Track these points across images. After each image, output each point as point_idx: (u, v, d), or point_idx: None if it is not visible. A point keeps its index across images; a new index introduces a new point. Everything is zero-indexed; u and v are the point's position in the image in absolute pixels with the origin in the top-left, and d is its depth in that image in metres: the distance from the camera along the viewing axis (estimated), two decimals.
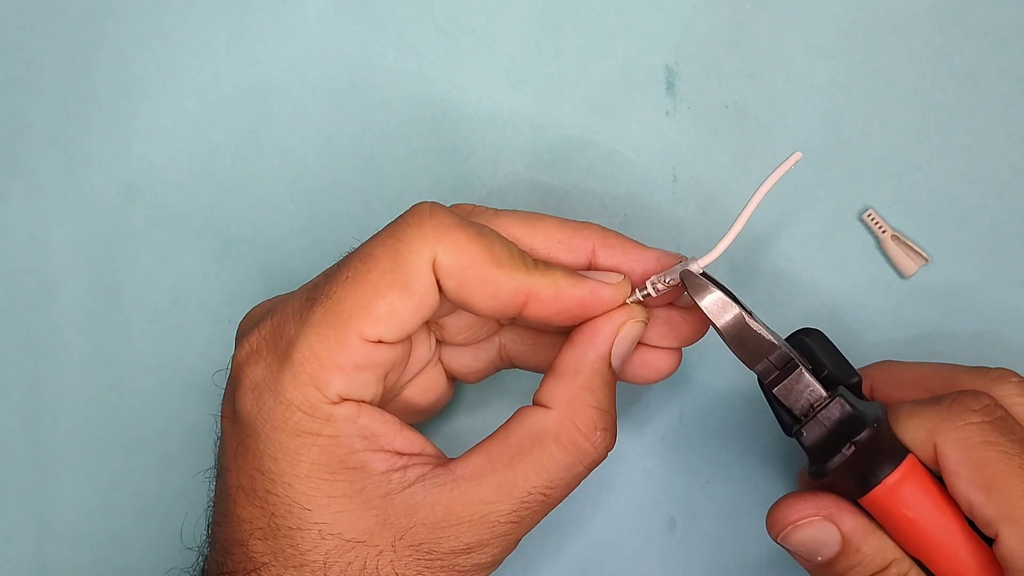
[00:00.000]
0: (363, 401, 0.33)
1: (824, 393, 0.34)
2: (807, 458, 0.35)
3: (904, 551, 0.35)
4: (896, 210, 0.43)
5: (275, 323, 0.33)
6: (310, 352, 0.32)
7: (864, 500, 0.34)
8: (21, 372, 0.45)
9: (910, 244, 0.42)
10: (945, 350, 0.42)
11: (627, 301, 0.35)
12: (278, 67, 0.45)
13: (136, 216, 0.45)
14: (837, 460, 0.33)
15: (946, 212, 0.43)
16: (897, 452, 0.34)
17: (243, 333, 0.35)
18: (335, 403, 0.32)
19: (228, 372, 0.36)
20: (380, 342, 0.32)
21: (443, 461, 0.34)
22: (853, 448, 0.33)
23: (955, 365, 0.38)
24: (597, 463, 0.35)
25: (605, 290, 0.34)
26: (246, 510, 0.33)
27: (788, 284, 0.43)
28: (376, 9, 0.45)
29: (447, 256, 0.32)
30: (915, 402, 0.35)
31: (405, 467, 0.33)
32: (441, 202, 0.44)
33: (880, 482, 0.34)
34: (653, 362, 0.37)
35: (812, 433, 0.34)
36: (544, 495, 0.34)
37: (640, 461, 0.43)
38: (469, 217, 0.35)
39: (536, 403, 0.35)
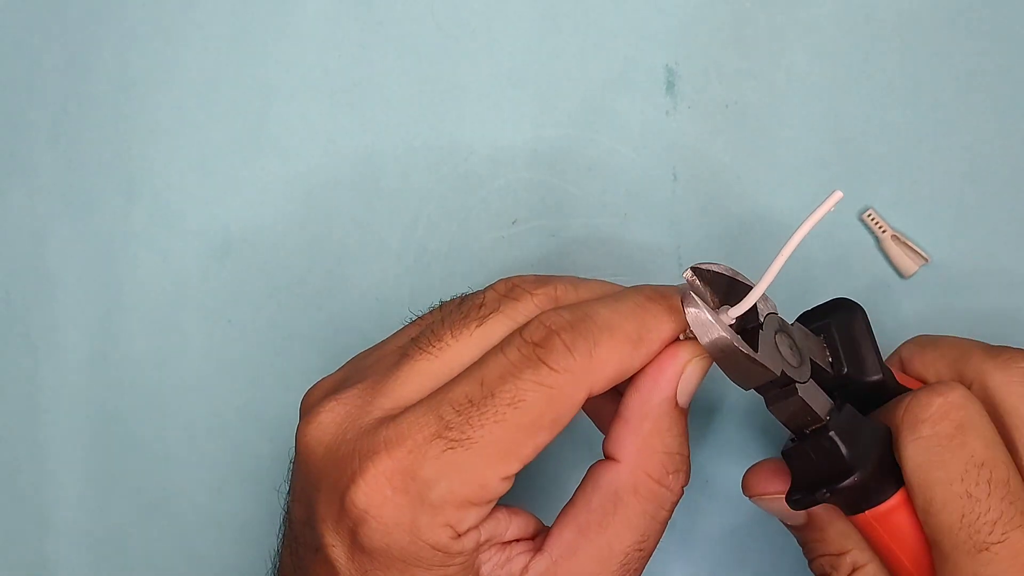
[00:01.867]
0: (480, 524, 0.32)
1: (822, 418, 0.33)
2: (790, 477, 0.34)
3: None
4: (896, 210, 0.43)
5: (398, 461, 0.31)
6: (451, 496, 0.31)
7: (851, 518, 0.34)
8: (21, 372, 0.45)
9: (910, 244, 0.42)
10: None
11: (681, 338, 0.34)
12: (278, 67, 0.45)
13: (136, 216, 0.45)
14: (810, 501, 0.33)
15: (946, 212, 0.43)
16: (893, 479, 0.33)
17: (336, 457, 0.32)
18: (463, 535, 0.32)
19: (300, 488, 0.34)
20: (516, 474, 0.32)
21: (539, 542, 0.33)
22: (829, 496, 0.32)
23: (974, 342, 0.36)
24: (677, 503, 0.34)
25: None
26: None
27: (788, 284, 0.43)
28: (376, 9, 0.45)
29: (601, 383, 0.32)
30: (916, 434, 0.34)
31: (509, 560, 0.33)
32: (440, 202, 0.44)
33: (869, 509, 0.33)
34: None
35: (797, 462, 0.33)
36: (640, 550, 0.33)
37: None
38: (556, 299, 0.34)
39: (606, 455, 0.34)
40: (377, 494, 0.31)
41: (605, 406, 0.37)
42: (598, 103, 0.44)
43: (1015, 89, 0.42)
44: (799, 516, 0.35)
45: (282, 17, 0.45)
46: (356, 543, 0.32)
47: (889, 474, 0.33)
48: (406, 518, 0.31)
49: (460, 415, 0.31)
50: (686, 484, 0.34)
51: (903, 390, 0.35)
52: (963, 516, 0.31)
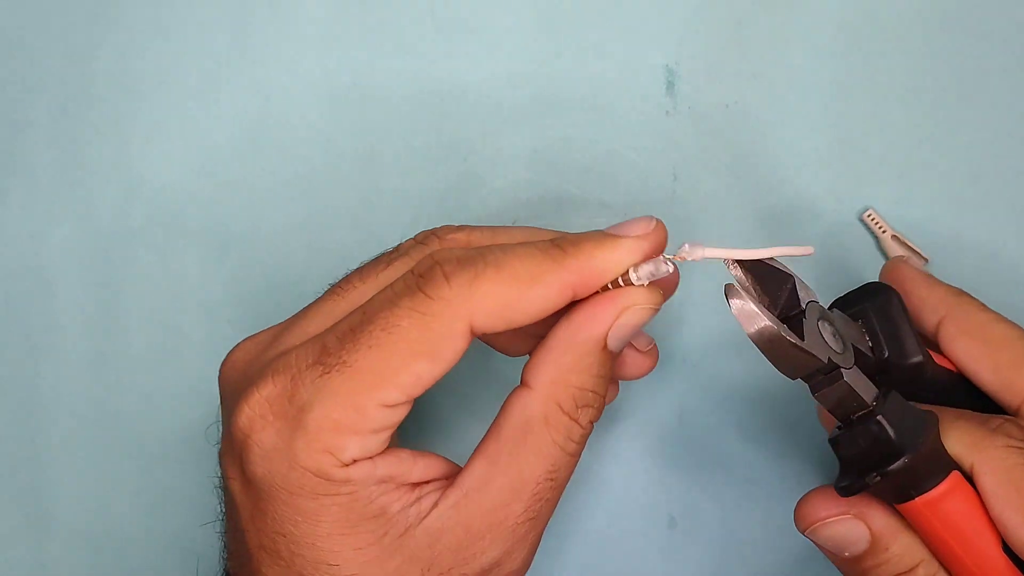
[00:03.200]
0: (377, 454, 0.32)
1: (868, 404, 0.33)
2: (838, 464, 0.34)
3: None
4: (896, 210, 0.43)
5: (280, 385, 0.32)
6: (326, 420, 0.31)
7: (901, 507, 0.33)
8: (21, 372, 0.45)
9: (910, 244, 0.42)
10: None
11: (633, 282, 0.33)
12: (278, 67, 0.45)
13: (136, 216, 0.45)
14: (861, 485, 0.32)
15: (946, 212, 0.43)
16: (942, 465, 0.33)
17: (236, 389, 0.34)
18: (349, 465, 0.32)
19: (220, 427, 0.35)
20: (398, 404, 0.32)
21: (452, 479, 0.33)
22: (879, 479, 0.32)
23: (1017, 331, 0.36)
24: (586, 436, 0.34)
25: (642, 244, 0.33)
26: (272, 569, 0.33)
27: None
28: (376, 9, 0.45)
29: (482, 315, 0.31)
30: (960, 414, 0.34)
31: (419, 498, 0.33)
32: (440, 202, 0.44)
33: (919, 495, 0.32)
34: (631, 363, 0.37)
35: (846, 448, 0.33)
36: (551, 479, 0.33)
37: (640, 461, 0.43)
38: (467, 244, 0.34)
39: (523, 380, 0.34)
40: (258, 419, 0.32)
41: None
42: (598, 103, 0.44)
43: (1015, 89, 0.42)
44: (862, 538, 0.34)
45: (282, 17, 0.45)
46: (244, 473, 0.32)
47: (938, 460, 0.33)
48: (284, 442, 0.31)
49: (339, 341, 0.32)
50: (595, 420, 0.34)
51: (943, 372, 0.35)
52: None
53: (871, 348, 0.35)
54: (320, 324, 0.34)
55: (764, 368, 0.33)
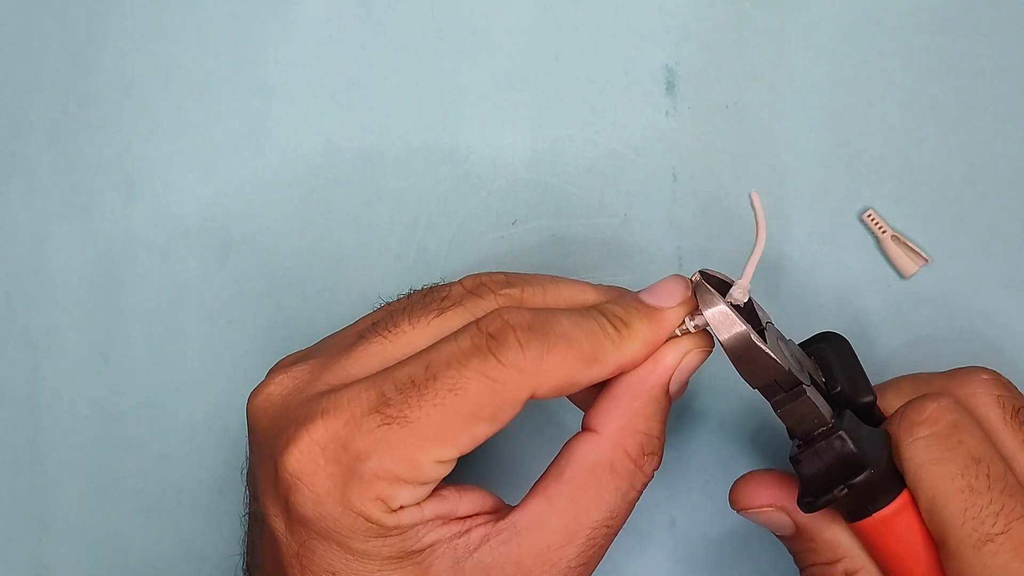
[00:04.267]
0: (424, 500, 0.32)
1: (828, 421, 0.33)
2: (799, 482, 0.34)
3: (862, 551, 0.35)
4: (896, 210, 0.43)
5: (332, 430, 0.31)
6: (382, 471, 0.31)
7: (856, 526, 0.34)
8: (21, 372, 0.45)
9: (910, 244, 0.42)
10: (944, 351, 0.42)
11: (690, 330, 0.35)
12: (278, 67, 0.45)
13: (136, 216, 0.45)
14: (827, 500, 0.33)
15: (946, 212, 0.43)
16: (896, 481, 0.33)
17: (276, 426, 0.33)
18: (397, 511, 0.32)
19: (248, 458, 0.35)
20: (452, 460, 0.32)
21: (503, 513, 0.33)
22: (846, 491, 0.33)
23: (932, 373, 0.37)
24: (647, 484, 0.34)
25: (677, 315, 0.35)
26: None
27: (788, 284, 0.43)
28: (376, 9, 0.45)
29: (546, 388, 0.32)
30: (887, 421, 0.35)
31: (468, 531, 0.33)
32: (440, 202, 0.44)
33: (876, 511, 0.33)
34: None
35: (808, 464, 0.33)
36: (607, 527, 0.34)
37: None
38: (521, 301, 0.34)
39: (585, 427, 0.34)
40: (309, 461, 0.31)
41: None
42: (598, 103, 0.44)
43: (1015, 89, 0.42)
44: (787, 526, 0.36)
45: (282, 17, 0.45)
46: (291, 512, 0.32)
47: (892, 477, 0.33)
48: (337, 488, 0.31)
49: (400, 393, 0.31)
50: (657, 468, 0.34)
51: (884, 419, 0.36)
52: (966, 509, 0.32)
53: (824, 382, 0.35)
54: (366, 366, 0.33)
55: None
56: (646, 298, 0.35)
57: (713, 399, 0.43)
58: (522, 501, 0.33)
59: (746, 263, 0.35)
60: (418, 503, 0.32)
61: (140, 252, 0.45)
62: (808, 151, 0.43)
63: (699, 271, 0.34)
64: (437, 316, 0.34)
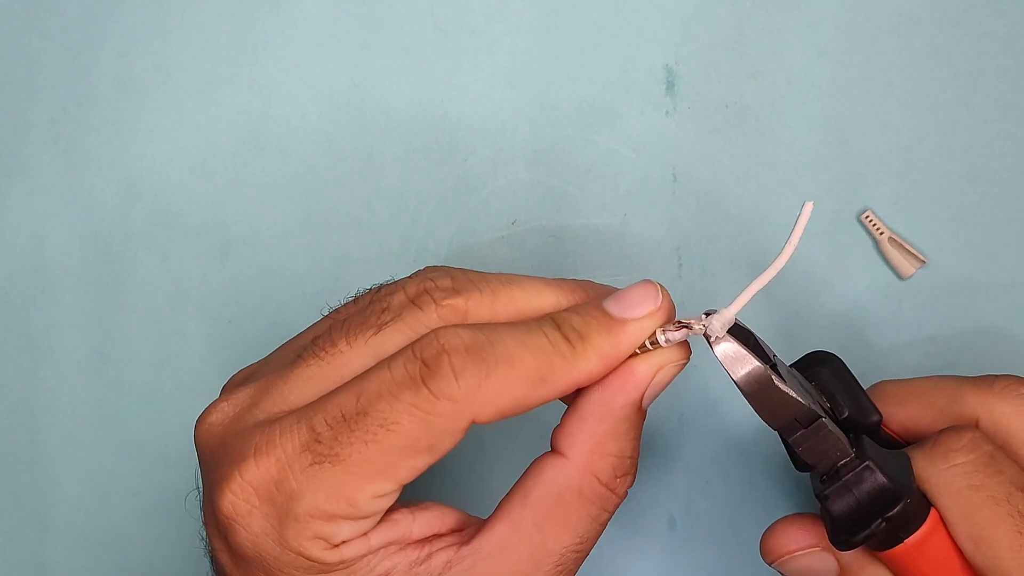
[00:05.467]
0: (370, 530, 0.31)
1: (849, 452, 0.32)
2: (828, 521, 0.33)
3: None
4: (895, 211, 0.43)
5: (264, 469, 0.30)
6: (317, 511, 0.30)
7: (887, 554, 0.33)
8: (21, 372, 0.45)
9: (907, 246, 0.42)
10: (944, 352, 0.42)
11: (660, 344, 0.32)
12: (278, 67, 0.45)
13: (136, 216, 0.45)
14: (865, 535, 0.32)
15: (945, 213, 0.43)
16: (923, 503, 0.32)
17: (215, 459, 0.32)
18: (340, 546, 0.31)
19: (200, 490, 0.34)
20: (392, 493, 0.31)
21: (466, 536, 0.32)
22: (884, 524, 0.31)
23: (959, 378, 0.36)
24: (619, 505, 0.33)
25: (644, 328, 0.32)
26: None
27: (786, 285, 0.43)
28: (376, 9, 0.45)
29: (487, 415, 0.30)
30: (914, 448, 0.34)
31: (429, 556, 0.31)
32: (440, 202, 0.44)
33: (908, 536, 0.32)
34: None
35: (839, 501, 0.32)
36: (576, 552, 0.32)
37: (640, 461, 0.43)
38: (465, 313, 0.32)
39: (554, 447, 0.32)
40: (243, 502, 0.30)
41: None
42: (598, 103, 0.44)
43: (1015, 89, 0.42)
44: (831, 568, 0.34)
45: (282, 17, 0.45)
46: (232, 549, 0.31)
47: (919, 501, 0.33)
48: (273, 528, 0.30)
49: (331, 429, 0.30)
50: (631, 486, 0.33)
51: (892, 438, 0.35)
52: (1018, 534, 0.31)
53: (829, 408, 0.34)
54: (303, 392, 0.32)
55: None
56: (610, 306, 0.32)
57: (713, 399, 0.43)
58: (486, 524, 0.32)
59: (746, 287, 0.32)
60: (364, 534, 0.31)
61: (140, 252, 0.45)
62: (808, 151, 0.43)
63: (704, 313, 0.32)
64: (375, 334, 0.32)
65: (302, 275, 0.44)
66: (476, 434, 0.34)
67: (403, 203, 0.44)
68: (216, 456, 0.32)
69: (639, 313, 0.32)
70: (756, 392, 0.31)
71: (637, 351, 0.32)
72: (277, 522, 0.30)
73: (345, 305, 0.34)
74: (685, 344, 0.33)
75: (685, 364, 0.33)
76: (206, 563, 0.34)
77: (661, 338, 0.32)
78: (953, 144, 0.43)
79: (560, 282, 0.34)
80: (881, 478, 0.31)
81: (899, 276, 0.42)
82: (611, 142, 0.44)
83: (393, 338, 0.32)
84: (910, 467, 0.33)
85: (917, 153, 0.43)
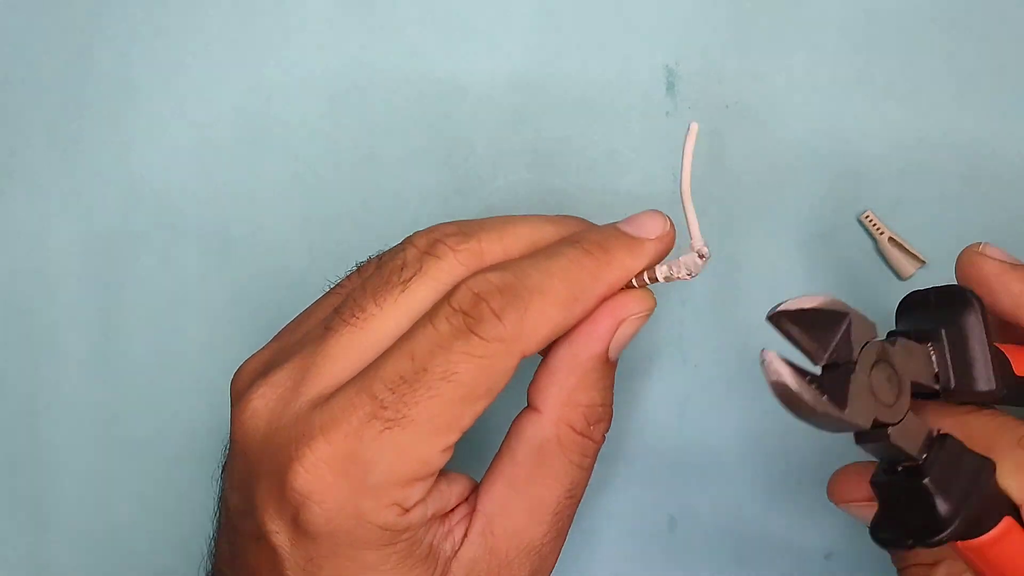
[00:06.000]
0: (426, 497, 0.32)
1: (917, 458, 0.30)
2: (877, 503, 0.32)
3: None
4: (895, 211, 0.43)
5: (335, 444, 0.30)
6: (393, 475, 0.31)
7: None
8: (21, 372, 0.45)
9: (907, 247, 0.42)
10: None
11: (633, 283, 0.34)
12: (278, 67, 0.45)
13: (136, 216, 0.45)
14: (895, 546, 0.31)
15: (945, 213, 0.43)
16: (995, 510, 0.30)
17: (273, 444, 0.32)
18: (409, 511, 0.31)
19: (224, 472, 0.35)
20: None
21: (472, 503, 0.33)
22: (913, 545, 0.30)
23: None
24: (599, 446, 0.34)
25: (659, 246, 0.34)
26: None
27: (786, 285, 0.43)
28: (376, 9, 0.45)
29: (534, 346, 0.31)
30: (1019, 448, 0.31)
31: (451, 529, 0.33)
32: (440, 202, 0.44)
33: (968, 539, 0.30)
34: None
35: (887, 496, 0.31)
36: (570, 498, 0.34)
37: (640, 461, 0.43)
38: (481, 254, 0.33)
39: (530, 403, 0.34)
40: (317, 480, 0.30)
41: None
42: (598, 103, 0.44)
43: (1015, 89, 0.42)
44: None
45: (282, 17, 0.45)
46: (299, 528, 0.31)
47: (991, 508, 0.30)
48: (350, 502, 0.30)
49: (394, 393, 0.30)
50: (607, 430, 0.34)
51: (1017, 381, 0.32)
52: None
53: (936, 376, 0.32)
54: (345, 362, 0.32)
55: None
56: (625, 227, 0.34)
57: (713, 399, 0.43)
58: (484, 486, 0.34)
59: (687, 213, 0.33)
60: (423, 499, 0.32)
61: (140, 252, 0.45)
62: (808, 151, 0.43)
63: (769, 315, 0.30)
64: (402, 291, 0.32)
65: (302, 275, 0.44)
66: None
67: (403, 203, 0.44)
68: (272, 442, 0.32)
69: (652, 235, 0.34)
70: (807, 420, 0.29)
71: (635, 283, 0.33)
72: (353, 495, 0.30)
73: (350, 276, 0.35)
74: (649, 297, 0.34)
75: (648, 316, 0.34)
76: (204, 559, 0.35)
77: (659, 273, 0.33)
78: (953, 144, 0.43)
79: (557, 216, 0.35)
80: (934, 504, 0.30)
81: (899, 276, 0.42)
82: (611, 142, 0.44)
83: (420, 292, 0.32)
84: (988, 479, 0.30)
85: (917, 153, 0.43)
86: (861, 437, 0.30)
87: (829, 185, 0.43)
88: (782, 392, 0.28)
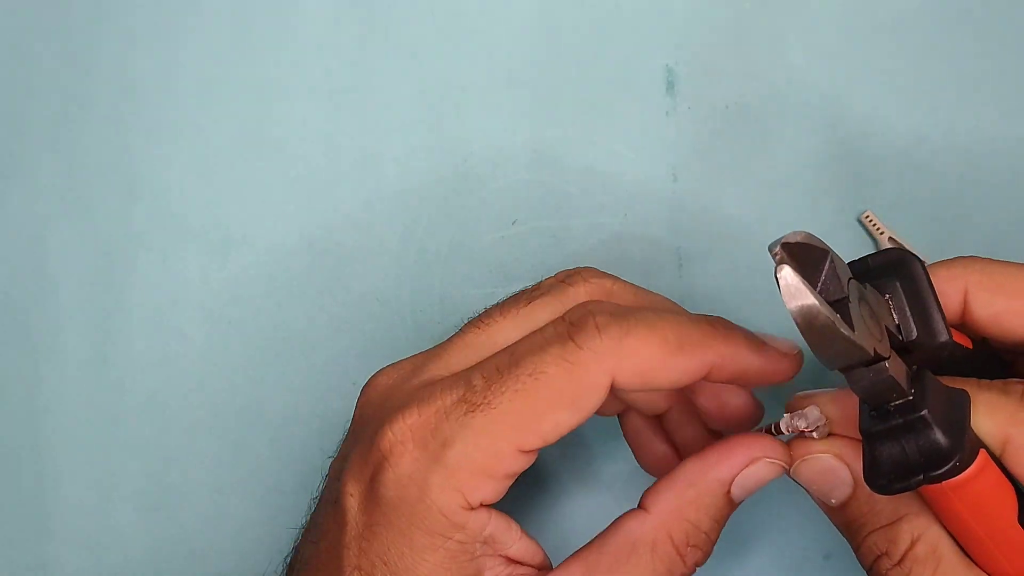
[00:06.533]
0: (493, 505, 0.33)
1: (907, 392, 0.30)
2: (868, 458, 0.31)
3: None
4: (895, 211, 0.43)
5: (425, 417, 0.32)
6: (466, 459, 0.31)
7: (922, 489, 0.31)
8: (21, 372, 0.45)
9: (907, 247, 0.42)
10: None
11: (763, 431, 0.34)
12: (278, 67, 0.45)
13: (136, 216, 0.45)
14: (902, 487, 0.30)
15: (945, 213, 0.43)
16: (972, 445, 0.30)
17: (378, 412, 0.34)
18: (473, 509, 0.32)
19: (345, 441, 0.36)
20: (533, 451, 0.32)
21: (544, 573, 0.34)
22: (924, 481, 0.30)
23: None
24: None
25: (783, 361, 0.34)
26: None
27: None
28: (376, 9, 0.45)
29: (626, 372, 0.32)
30: (981, 386, 0.32)
31: (510, 574, 0.33)
32: (442, 201, 0.44)
33: (938, 482, 0.30)
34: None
35: (884, 446, 0.30)
36: None
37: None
38: (611, 292, 0.35)
39: (641, 504, 0.34)
40: (399, 444, 0.32)
41: (649, 437, 0.39)
42: (598, 103, 0.44)
43: (1015, 89, 0.42)
44: (844, 487, 0.34)
45: (282, 17, 0.45)
46: (371, 491, 0.33)
47: (970, 443, 0.30)
48: (420, 473, 0.32)
49: (486, 382, 0.32)
50: (701, 564, 0.34)
51: (960, 349, 0.33)
52: None
53: (898, 327, 0.32)
54: (462, 358, 0.34)
55: None
56: (755, 334, 0.34)
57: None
58: (562, 565, 0.33)
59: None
60: (488, 507, 0.32)
61: (140, 252, 0.45)
62: (808, 151, 0.43)
63: (780, 243, 0.28)
64: (526, 305, 0.35)
65: (302, 275, 0.44)
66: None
67: (403, 203, 0.44)
68: (380, 409, 0.34)
69: (781, 347, 0.34)
70: (817, 338, 0.28)
71: (764, 430, 0.34)
72: (426, 466, 0.32)
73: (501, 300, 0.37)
74: (787, 451, 0.34)
75: (784, 469, 0.34)
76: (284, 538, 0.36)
77: (785, 424, 0.33)
78: (953, 144, 0.43)
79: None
80: (935, 436, 0.30)
81: None
82: (611, 142, 0.44)
83: (543, 310, 0.35)
84: (967, 409, 0.31)
85: (917, 153, 0.43)
86: (859, 376, 0.30)
87: (829, 185, 0.43)
88: (807, 312, 0.27)
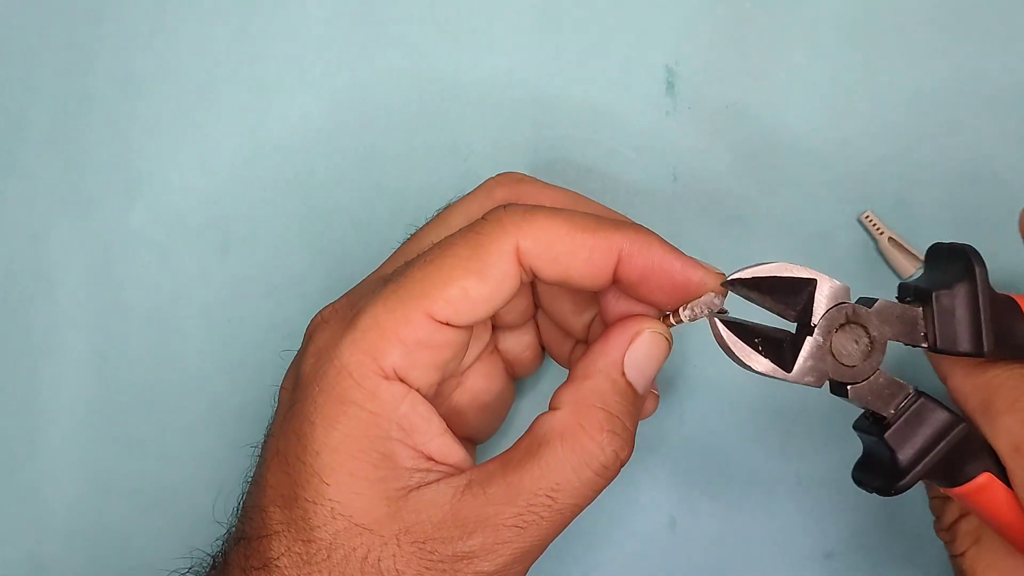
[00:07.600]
0: (415, 388, 0.33)
1: (884, 415, 0.33)
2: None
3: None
4: (895, 211, 0.43)
5: (349, 298, 0.35)
6: (373, 321, 0.33)
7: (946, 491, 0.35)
8: (21, 372, 0.45)
9: (907, 247, 0.42)
10: None
11: (659, 319, 0.35)
12: (278, 66, 0.45)
13: (136, 216, 0.45)
14: (861, 487, 0.34)
15: (945, 213, 0.43)
16: (977, 463, 0.33)
17: (321, 312, 0.37)
18: (387, 377, 0.33)
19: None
20: (447, 324, 0.33)
21: (464, 469, 0.34)
22: (868, 490, 0.33)
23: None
24: (608, 469, 0.33)
25: (698, 269, 0.34)
26: (275, 476, 0.33)
27: None
28: (377, 8, 0.45)
29: (531, 240, 0.33)
30: (1012, 408, 0.33)
31: (428, 470, 0.33)
32: (441, 201, 0.44)
33: (958, 484, 0.33)
34: None
35: (865, 439, 0.34)
36: (550, 498, 0.33)
37: (640, 461, 0.43)
38: (517, 186, 0.37)
39: (550, 407, 0.34)
40: (320, 320, 0.35)
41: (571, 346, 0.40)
42: (598, 103, 0.44)
43: (1015, 89, 0.42)
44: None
45: (282, 17, 0.45)
46: (297, 374, 0.34)
47: (969, 462, 0.33)
48: (334, 340, 0.33)
49: (407, 264, 0.34)
50: (623, 456, 0.34)
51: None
52: None
53: (924, 336, 0.33)
54: (393, 264, 0.37)
55: None
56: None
57: (713, 400, 0.43)
58: (480, 464, 0.34)
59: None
60: (407, 386, 0.33)
61: (140, 251, 0.45)
62: (808, 151, 0.43)
63: (726, 281, 0.33)
64: (447, 209, 0.38)
65: (302, 275, 0.44)
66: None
67: (404, 202, 0.44)
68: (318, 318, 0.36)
69: (694, 265, 0.34)
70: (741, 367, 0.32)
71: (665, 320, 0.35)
72: (340, 334, 0.33)
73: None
74: (660, 323, 0.35)
75: (662, 339, 0.34)
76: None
77: (684, 314, 0.34)
78: (953, 144, 0.43)
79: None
80: (894, 458, 0.32)
81: (899, 276, 0.42)
82: (611, 142, 0.44)
83: (463, 213, 0.37)
84: (959, 434, 0.33)
85: (917, 153, 0.43)
86: (833, 390, 0.33)
87: (829, 185, 0.43)
88: (728, 353, 0.32)
